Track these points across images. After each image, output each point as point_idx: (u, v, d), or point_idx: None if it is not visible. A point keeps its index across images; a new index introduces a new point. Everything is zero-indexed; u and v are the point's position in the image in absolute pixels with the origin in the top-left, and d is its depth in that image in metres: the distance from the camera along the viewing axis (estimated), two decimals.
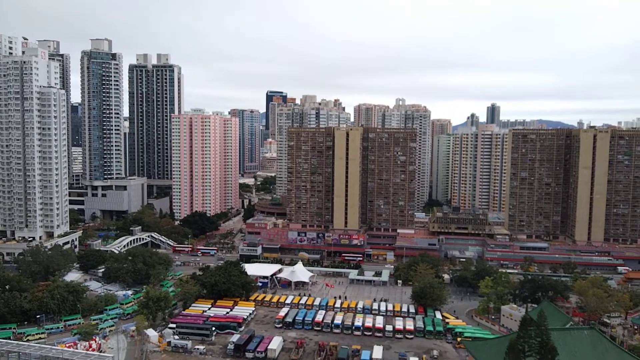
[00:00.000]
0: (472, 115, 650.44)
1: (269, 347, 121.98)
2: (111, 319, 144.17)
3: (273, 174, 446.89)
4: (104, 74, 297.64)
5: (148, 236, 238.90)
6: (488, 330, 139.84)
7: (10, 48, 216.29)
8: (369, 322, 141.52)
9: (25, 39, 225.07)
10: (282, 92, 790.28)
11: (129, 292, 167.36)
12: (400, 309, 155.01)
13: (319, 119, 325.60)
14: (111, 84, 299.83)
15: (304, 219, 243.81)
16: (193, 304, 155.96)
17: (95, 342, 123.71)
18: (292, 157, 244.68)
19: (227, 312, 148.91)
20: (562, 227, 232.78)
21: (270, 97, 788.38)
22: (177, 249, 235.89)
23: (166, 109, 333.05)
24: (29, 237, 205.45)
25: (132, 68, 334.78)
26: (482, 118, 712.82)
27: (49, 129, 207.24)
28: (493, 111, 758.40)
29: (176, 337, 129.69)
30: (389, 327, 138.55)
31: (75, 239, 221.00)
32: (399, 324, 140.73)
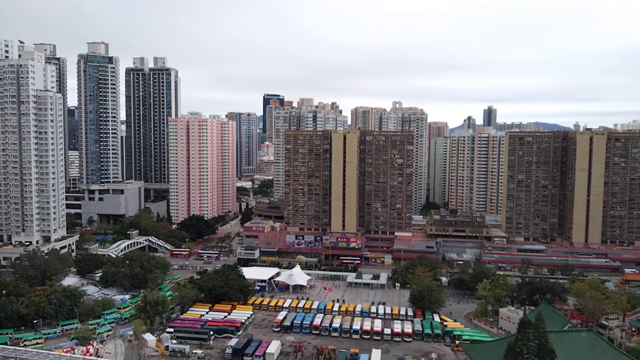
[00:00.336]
0: (469, 118, 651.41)
1: (267, 351, 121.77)
2: (109, 323, 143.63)
3: (270, 177, 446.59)
4: (100, 77, 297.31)
5: (145, 240, 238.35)
6: (486, 333, 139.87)
7: (7, 52, 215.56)
8: (367, 326, 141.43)
9: (21, 42, 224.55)
10: (279, 95, 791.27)
11: (127, 297, 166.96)
12: (399, 312, 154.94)
13: (316, 122, 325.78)
14: (108, 88, 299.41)
15: (302, 222, 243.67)
16: (191, 308, 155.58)
17: (93, 346, 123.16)
18: (290, 160, 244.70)
19: (225, 316, 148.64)
20: (559, 229, 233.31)
21: (267, 100, 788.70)
22: (174, 252, 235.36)
23: (163, 112, 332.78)
24: (26, 242, 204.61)
25: (128, 71, 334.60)
26: (479, 121, 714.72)
27: (45, 132, 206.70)
28: (490, 114, 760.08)
29: (174, 341, 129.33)
30: (387, 331, 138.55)
31: (72, 243, 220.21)
32: (397, 327, 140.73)
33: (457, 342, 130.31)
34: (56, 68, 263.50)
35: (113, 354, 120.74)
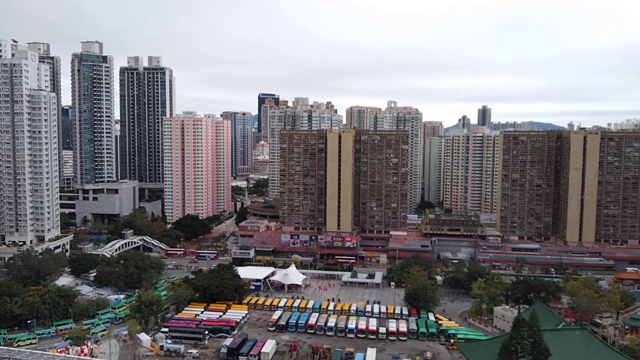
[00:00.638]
0: (464, 118, 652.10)
1: (262, 350, 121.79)
2: (103, 323, 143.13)
3: (265, 177, 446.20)
4: (94, 76, 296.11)
5: (140, 240, 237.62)
6: (481, 332, 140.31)
7: (0, 51, 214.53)
8: (362, 325, 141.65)
9: (14, 41, 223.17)
10: (274, 95, 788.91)
11: (121, 296, 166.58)
12: (394, 311, 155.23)
13: (311, 122, 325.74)
14: (102, 87, 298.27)
15: (297, 222, 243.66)
16: (186, 308, 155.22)
17: (87, 346, 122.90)
18: (285, 159, 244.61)
19: (220, 316, 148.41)
20: (553, 228, 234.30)
21: (262, 99, 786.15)
22: (169, 252, 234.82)
23: (158, 111, 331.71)
24: (20, 242, 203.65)
25: (123, 71, 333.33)
26: (474, 120, 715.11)
27: (39, 132, 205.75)
28: (484, 113, 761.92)
29: (169, 341, 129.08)
30: (382, 329, 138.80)
31: (67, 243, 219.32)
32: (392, 326, 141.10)
33: (452, 340, 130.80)
34: (50, 67, 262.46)
35: (107, 354, 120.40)
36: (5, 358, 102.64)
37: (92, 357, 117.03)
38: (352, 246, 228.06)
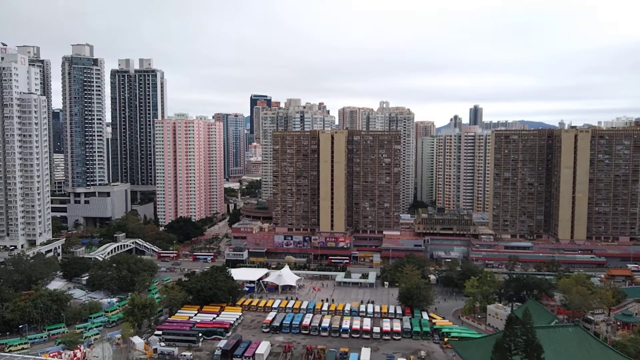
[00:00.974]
0: (455, 117, 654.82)
1: (256, 352, 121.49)
2: (96, 327, 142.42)
3: (258, 178, 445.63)
4: (85, 79, 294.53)
5: (132, 243, 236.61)
6: (474, 330, 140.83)
7: None
8: (356, 325, 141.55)
9: (4, 44, 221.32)
10: (266, 96, 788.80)
11: (114, 300, 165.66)
12: (388, 310, 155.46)
13: (303, 123, 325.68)
14: (93, 90, 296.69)
15: (290, 223, 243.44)
16: (179, 310, 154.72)
17: (80, 350, 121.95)
18: (277, 160, 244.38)
19: (214, 318, 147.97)
20: (545, 226, 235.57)
21: (254, 100, 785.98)
22: (162, 255, 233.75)
23: (149, 114, 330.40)
24: (11, 246, 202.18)
25: (114, 73, 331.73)
26: (465, 120, 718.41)
27: (29, 135, 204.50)
28: (476, 113, 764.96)
29: (162, 344, 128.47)
30: (376, 329, 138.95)
31: (58, 246, 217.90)
32: (386, 325, 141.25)
33: (446, 339, 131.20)
34: (40, 70, 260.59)
35: (101, 358, 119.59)
36: None
37: None
38: (345, 246, 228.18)
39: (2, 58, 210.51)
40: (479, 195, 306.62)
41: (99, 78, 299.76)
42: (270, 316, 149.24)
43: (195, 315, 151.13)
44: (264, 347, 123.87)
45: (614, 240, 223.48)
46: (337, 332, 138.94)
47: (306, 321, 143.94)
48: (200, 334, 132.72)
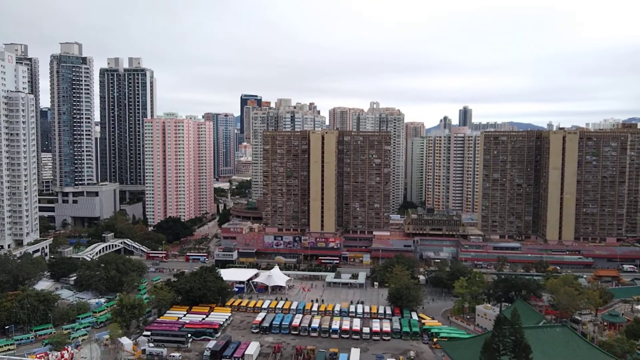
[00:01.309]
0: (445, 118, 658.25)
1: (245, 352, 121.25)
2: (84, 327, 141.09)
3: (248, 178, 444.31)
4: (74, 78, 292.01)
5: (121, 243, 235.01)
6: (463, 330, 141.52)
7: None
8: (346, 325, 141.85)
9: None
10: (256, 96, 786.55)
11: (102, 300, 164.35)
12: (377, 311, 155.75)
13: (294, 123, 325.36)
14: (82, 89, 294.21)
15: (280, 223, 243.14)
16: (168, 311, 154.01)
17: (68, 351, 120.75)
18: (268, 160, 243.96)
19: (203, 319, 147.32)
20: (533, 227, 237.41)
21: (244, 100, 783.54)
22: (150, 255, 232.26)
23: (138, 113, 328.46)
24: None
25: (103, 72, 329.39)
26: (455, 121, 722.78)
27: (17, 134, 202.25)
28: (465, 114, 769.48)
29: (151, 344, 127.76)
30: (366, 330, 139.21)
31: (46, 246, 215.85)
32: (375, 326, 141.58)
33: (435, 339, 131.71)
34: (28, 69, 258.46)
35: (89, 359, 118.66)
36: None
37: None
38: (335, 247, 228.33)
39: None
40: (468, 195, 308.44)
41: (87, 77, 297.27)
42: (259, 317, 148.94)
43: (185, 315, 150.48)
44: (253, 348, 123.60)
45: (601, 241, 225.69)
46: (326, 332, 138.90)
47: (296, 322, 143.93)
48: (189, 335, 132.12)
